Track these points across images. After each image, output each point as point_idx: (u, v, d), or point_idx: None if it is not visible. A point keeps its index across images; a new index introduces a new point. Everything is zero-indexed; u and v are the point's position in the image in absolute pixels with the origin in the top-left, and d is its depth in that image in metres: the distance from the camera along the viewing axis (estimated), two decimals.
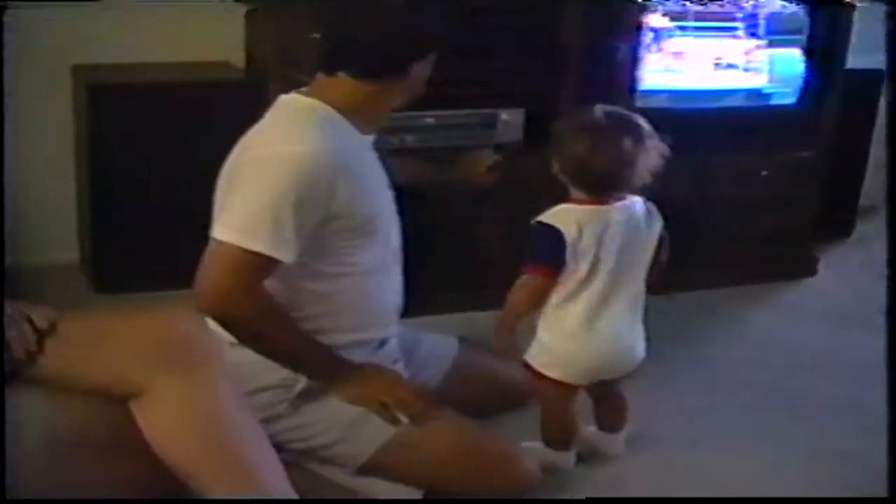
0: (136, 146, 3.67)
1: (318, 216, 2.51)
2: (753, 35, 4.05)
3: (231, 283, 2.44)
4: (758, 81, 4.13)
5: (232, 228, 2.45)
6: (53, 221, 4.03)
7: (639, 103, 3.77)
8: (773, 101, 4.18)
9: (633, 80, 3.85)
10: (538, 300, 2.78)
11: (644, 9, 3.82)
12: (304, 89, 2.67)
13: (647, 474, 2.93)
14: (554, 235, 2.71)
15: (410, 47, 2.61)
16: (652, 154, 2.75)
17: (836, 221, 4.72)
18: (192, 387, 2.08)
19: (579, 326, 2.78)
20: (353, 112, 2.62)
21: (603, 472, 2.95)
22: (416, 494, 2.65)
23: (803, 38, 4.09)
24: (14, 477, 2.02)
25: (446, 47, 2.68)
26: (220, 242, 2.45)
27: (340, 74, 2.62)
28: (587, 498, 2.81)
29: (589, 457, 2.98)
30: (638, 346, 2.88)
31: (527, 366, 2.85)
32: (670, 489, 2.84)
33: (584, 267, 2.73)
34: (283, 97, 2.67)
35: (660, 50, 3.92)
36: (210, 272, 2.46)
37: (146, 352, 2.09)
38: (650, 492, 2.82)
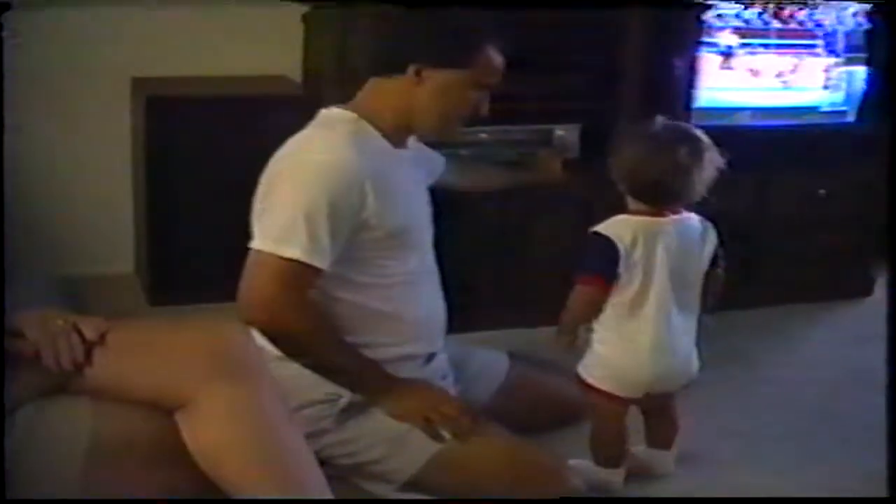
0: (193, 159, 3.70)
1: (351, 223, 2.52)
2: (832, 52, 4.03)
3: (272, 291, 2.47)
4: (835, 98, 4.10)
5: (269, 238, 2.48)
6: (110, 233, 4.08)
7: (696, 119, 3.74)
8: (841, 119, 4.14)
9: (689, 97, 3.83)
10: (591, 310, 2.78)
11: (702, 26, 3.80)
12: (344, 104, 2.68)
13: (695, 494, 2.89)
14: (607, 245, 2.71)
15: (411, 44, 2.60)
16: (709, 167, 2.74)
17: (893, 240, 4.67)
18: (239, 399, 2.07)
19: (632, 339, 2.77)
20: (387, 121, 2.64)
21: (653, 490, 2.93)
22: None
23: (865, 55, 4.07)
24: (56, 486, 2.04)
25: (464, 58, 2.62)
26: (258, 252, 2.49)
27: (372, 80, 2.65)
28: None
29: (639, 476, 2.95)
30: (691, 360, 2.86)
31: (579, 379, 2.84)
32: None
33: (637, 278, 2.73)
34: (323, 111, 2.69)
35: (729, 67, 3.90)
36: (251, 282, 2.49)
37: (193, 363, 2.09)
38: None
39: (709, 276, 2.86)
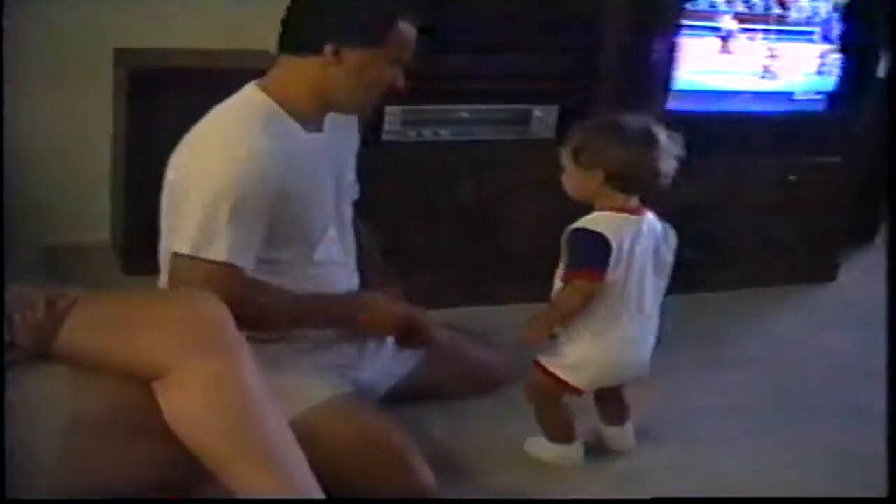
0: (172, 131, 3.68)
1: (266, 218, 2.52)
2: (827, 39, 4.08)
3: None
4: (826, 85, 4.15)
5: (189, 240, 2.46)
6: (87, 202, 4.07)
7: (673, 104, 3.81)
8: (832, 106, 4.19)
9: (668, 80, 3.85)
10: (587, 304, 2.80)
11: (683, 6, 3.82)
12: (260, 81, 2.66)
13: (659, 474, 2.94)
14: (601, 241, 2.75)
15: (328, 24, 2.57)
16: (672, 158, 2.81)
17: (859, 226, 4.72)
18: (218, 371, 2.09)
19: (606, 335, 2.82)
20: (303, 103, 2.62)
21: (617, 468, 2.98)
22: None
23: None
24: (35, 457, 2.05)
25: (375, 38, 2.59)
26: (182, 257, 2.47)
27: (283, 57, 2.64)
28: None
29: (602, 452, 3.01)
30: (649, 352, 2.92)
31: (539, 366, 2.88)
32: (682, 488, 2.86)
33: (617, 275, 2.77)
34: (243, 90, 2.66)
35: (728, 51, 3.93)
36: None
37: (171, 335, 2.11)
38: (661, 491, 2.83)
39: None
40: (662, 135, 2.80)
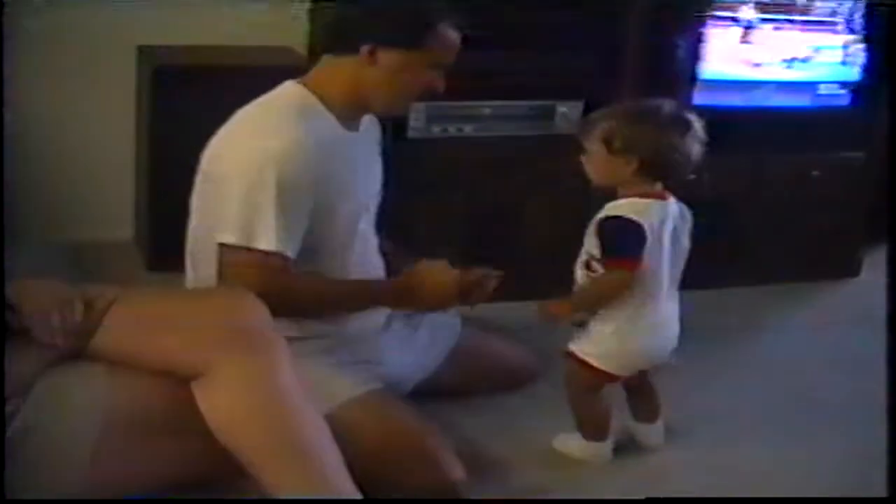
0: (196, 127, 3.67)
1: (308, 207, 2.53)
2: (850, 30, 4.06)
3: (256, 285, 2.36)
4: (850, 76, 4.13)
5: (237, 230, 2.47)
6: (111, 199, 4.07)
7: (699, 98, 3.79)
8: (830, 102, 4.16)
9: (693, 74, 3.84)
10: (624, 292, 2.79)
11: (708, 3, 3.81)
12: (302, 77, 2.67)
13: (683, 472, 2.93)
14: (636, 228, 2.73)
15: (365, 24, 2.59)
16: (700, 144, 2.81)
17: (883, 222, 4.69)
18: (255, 370, 2.09)
19: (638, 320, 2.81)
20: (340, 101, 2.63)
21: (645, 464, 2.97)
22: None
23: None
24: (72, 457, 2.06)
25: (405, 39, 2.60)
26: (231, 247, 2.48)
27: (325, 57, 2.66)
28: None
29: (629, 448, 3.00)
30: (677, 333, 2.91)
31: (572, 356, 2.86)
32: (705, 487, 2.84)
33: (651, 260, 2.77)
34: (281, 87, 2.67)
35: (747, 42, 3.91)
36: (232, 281, 2.46)
37: (211, 333, 2.11)
38: (683, 490, 2.82)
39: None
40: (695, 120, 2.79)
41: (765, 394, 3.42)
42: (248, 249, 2.46)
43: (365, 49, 2.56)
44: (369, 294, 2.73)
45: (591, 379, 2.85)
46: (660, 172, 2.79)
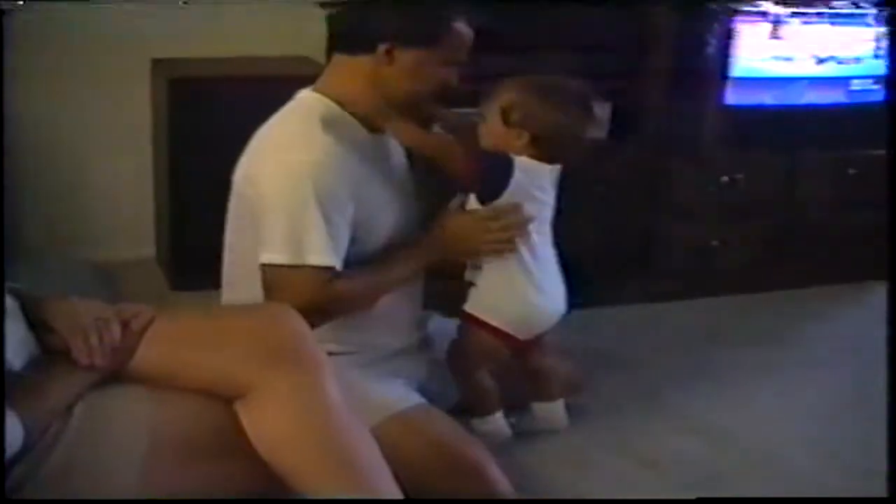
0: (214, 140, 3.64)
1: (346, 218, 2.50)
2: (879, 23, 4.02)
3: (305, 303, 2.34)
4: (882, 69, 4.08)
5: (283, 247, 2.44)
6: (131, 217, 4.05)
7: (730, 97, 3.74)
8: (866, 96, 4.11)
9: (724, 72, 3.78)
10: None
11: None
12: (314, 87, 2.65)
13: (731, 476, 2.88)
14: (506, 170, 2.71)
15: (381, 24, 2.55)
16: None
17: None
18: (302, 388, 2.06)
19: (522, 275, 2.76)
20: (361, 104, 2.60)
21: (689, 471, 2.89)
22: None
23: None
24: (114, 480, 2.02)
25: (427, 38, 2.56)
26: (279, 267, 2.45)
27: (336, 57, 2.63)
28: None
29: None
30: (563, 296, 2.86)
31: (466, 315, 2.80)
32: (753, 491, 2.79)
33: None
34: (299, 96, 2.65)
35: (776, 38, 3.87)
36: (282, 298, 2.40)
37: (254, 351, 2.07)
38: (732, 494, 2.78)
39: None
40: (597, 104, 2.78)
41: (814, 396, 3.36)
42: (298, 267, 2.43)
43: (382, 48, 2.53)
44: (403, 260, 2.67)
45: (486, 339, 2.78)
46: (548, 151, 2.73)
